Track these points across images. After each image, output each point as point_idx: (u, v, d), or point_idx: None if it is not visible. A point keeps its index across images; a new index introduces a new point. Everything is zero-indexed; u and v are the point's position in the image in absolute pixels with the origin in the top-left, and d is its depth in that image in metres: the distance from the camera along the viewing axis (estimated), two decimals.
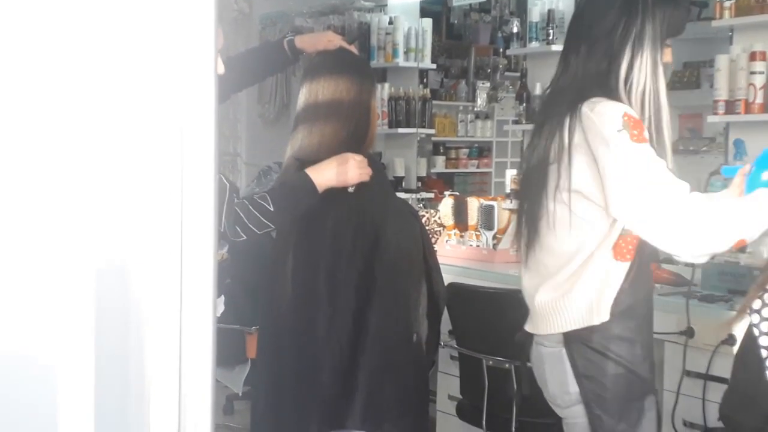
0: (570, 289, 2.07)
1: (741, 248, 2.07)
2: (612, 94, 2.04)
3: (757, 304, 2.14)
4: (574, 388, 2.11)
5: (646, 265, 2.12)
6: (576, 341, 2.08)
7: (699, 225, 1.95)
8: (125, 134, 0.96)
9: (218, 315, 2.37)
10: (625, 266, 2.06)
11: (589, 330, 2.06)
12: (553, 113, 2.10)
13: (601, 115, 1.99)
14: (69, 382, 0.93)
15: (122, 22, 0.96)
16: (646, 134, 2.01)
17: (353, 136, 2.39)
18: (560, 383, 2.14)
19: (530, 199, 2.14)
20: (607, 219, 2.04)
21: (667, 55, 2.14)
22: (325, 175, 2.30)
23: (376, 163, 2.55)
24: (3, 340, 0.92)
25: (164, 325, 0.98)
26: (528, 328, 2.21)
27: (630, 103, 2.05)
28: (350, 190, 2.35)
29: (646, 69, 2.06)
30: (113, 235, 0.95)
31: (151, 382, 0.97)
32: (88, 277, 0.93)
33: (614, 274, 2.05)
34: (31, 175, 0.92)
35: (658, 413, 2.19)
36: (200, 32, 0.98)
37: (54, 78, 0.93)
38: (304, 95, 2.43)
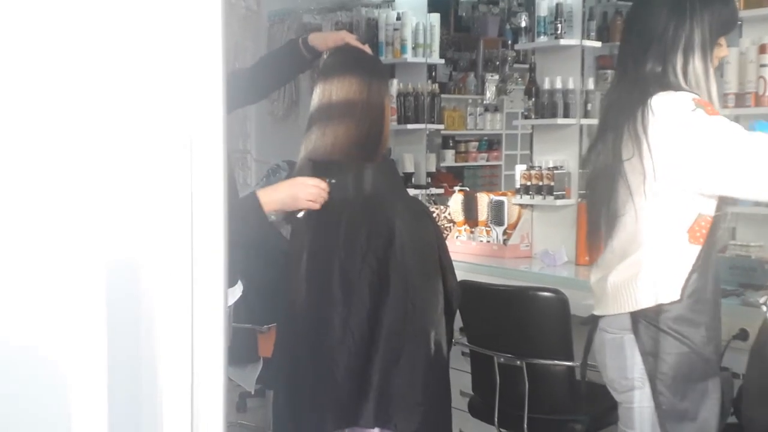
0: (641, 269, 2.16)
1: None
2: (677, 89, 2.15)
3: (766, 297, 2.14)
4: (632, 372, 2.19)
5: (715, 251, 2.22)
6: (643, 321, 2.16)
7: None
8: (135, 136, 0.97)
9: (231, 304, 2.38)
10: (697, 249, 2.15)
11: (657, 310, 2.15)
12: (618, 114, 2.20)
13: (673, 104, 2.11)
14: (81, 379, 0.95)
15: (138, 28, 0.97)
16: (717, 109, 2.14)
17: (367, 136, 2.39)
18: (619, 368, 2.22)
19: (608, 199, 2.23)
20: (689, 202, 2.14)
21: (723, 50, 2.24)
22: (274, 197, 2.33)
23: (389, 162, 2.55)
24: (17, 335, 0.93)
25: (176, 322, 0.99)
26: (597, 311, 2.30)
27: None
28: (299, 215, 2.37)
29: (698, 70, 2.16)
30: (124, 233, 0.97)
31: (163, 380, 0.98)
32: (99, 275, 0.95)
33: (687, 256, 2.15)
34: (45, 175, 0.94)
35: (724, 395, 2.24)
36: (209, 40, 0.99)
37: (73, 83, 0.95)
38: (317, 95, 2.43)
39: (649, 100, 2.12)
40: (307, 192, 2.34)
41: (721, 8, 2.19)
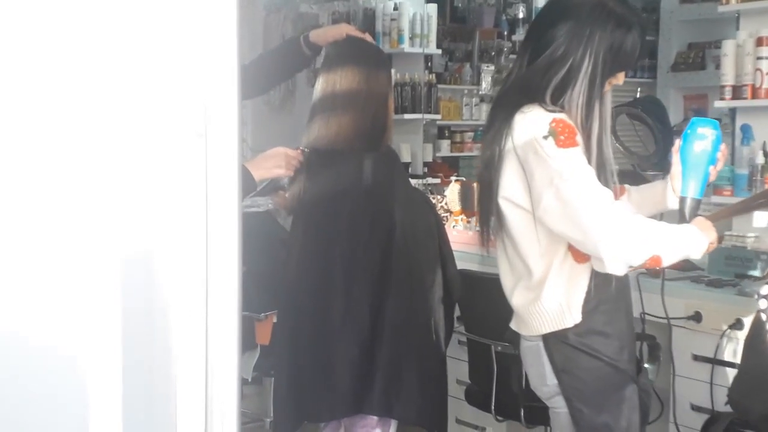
0: (540, 293, 2.09)
1: (656, 268, 2.06)
2: (546, 106, 2.03)
3: (765, 290, 2.17)
4: (551, 380, 2.14)
5: None
6: (552, 338, 2.11)
7: (618, 234, 1.93)
8: (150, 125, 0.98)
9: None
10: (587, 267, 2.06)
11: (564, 329, 2.09)
12: (496, 118, 2.12)
13: (531, 122, 2.01)
14: (97, 369, 0.96)
15: (155, 17, 0.98)
16: (578, 138, 1.99)
17: (371, 126, 2.40)
18: (539, 375, 2.18)
19: (487, 200, 2.15)
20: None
21: (618, 79, 2.11)
22: (260, 167, 2.33)
23: (391, 153, 2.56)
24: (34, 326, 0.95)
25: (190, 312, 1.00)
26: (512, 325, 2.24)
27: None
28: (285, 191, 2.39)
29: (577, 99, 2.03)
30: (139, 223, 0.98)
31: (177, 370, 0.99)
32: (114, 265, 0.96)
33: (578, 275, 2.07)
34: (60, 167, 0.95)
35: (642, 400, 2.19)
36: (224, 29, 1.01)
37: (89, 74, 0.96)
38: (320, 86, 2.43)
39: (514, 115, 2.03)
40: (284, 159, 2.35)
41: (621, 45, 2.04)
